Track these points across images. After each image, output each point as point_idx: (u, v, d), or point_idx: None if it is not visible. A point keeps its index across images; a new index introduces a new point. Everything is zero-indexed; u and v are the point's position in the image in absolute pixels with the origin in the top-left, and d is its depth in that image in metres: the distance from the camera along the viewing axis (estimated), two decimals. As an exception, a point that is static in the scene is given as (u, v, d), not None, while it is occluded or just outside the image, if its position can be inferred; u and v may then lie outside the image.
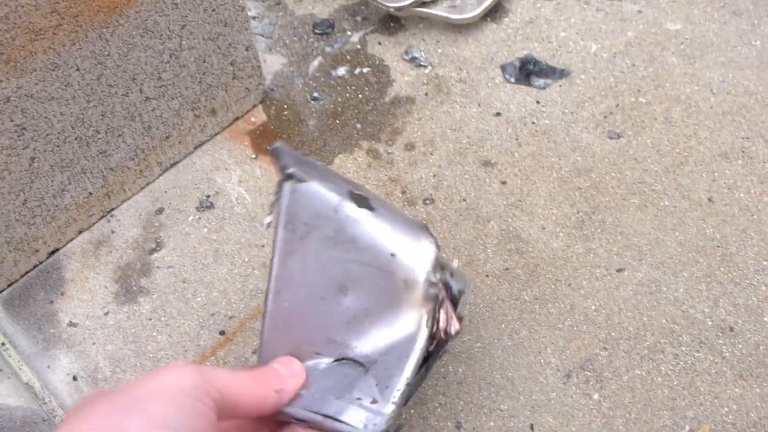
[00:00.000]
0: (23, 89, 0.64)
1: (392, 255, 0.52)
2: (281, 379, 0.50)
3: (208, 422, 0.42)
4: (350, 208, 0.53)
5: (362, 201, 0.53)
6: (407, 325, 0.53)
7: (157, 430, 0.39)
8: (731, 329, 0.66)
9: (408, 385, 0.52)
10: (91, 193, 0.76)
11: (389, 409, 0.51)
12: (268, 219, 0.54)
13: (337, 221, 0.52)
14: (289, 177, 0.52)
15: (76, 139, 0.71)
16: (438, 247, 0.54)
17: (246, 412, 0.47)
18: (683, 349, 0.65)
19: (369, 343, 0.53)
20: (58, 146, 0.70)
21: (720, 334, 0.66)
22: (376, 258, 0.52)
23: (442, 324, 0.54)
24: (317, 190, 0.52)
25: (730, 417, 0.61)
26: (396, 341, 0.53)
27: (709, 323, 0.66)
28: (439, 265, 0.54)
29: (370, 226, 0.53)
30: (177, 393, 0.41)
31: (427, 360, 0.54)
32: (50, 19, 0.63)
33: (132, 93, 0.73)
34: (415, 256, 0.53)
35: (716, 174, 0.76)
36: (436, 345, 0.54)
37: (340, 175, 0.57)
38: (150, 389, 0.41)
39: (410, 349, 0.53)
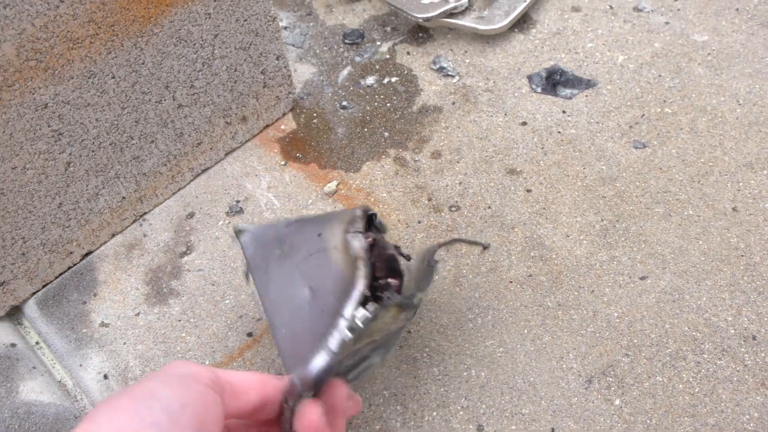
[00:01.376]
0: (60, 96, 0.66)
1: (318, 234, 0.59)
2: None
3: (214, 404, 0.45)
4: (281, 226, 0.62)
5: (293, 221, 0.62)
6: (353, 277, 0.56)
7: (164, 414, 0.41)
8: (754, 338, 0.66)
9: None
10: (124, 198, 0.78)
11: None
12: (249, 288, 0.62)
13: (278, 241, 0.61)
14: (238, 232, 0.64)
15: (110, 144, 0.73)
16: (364, 211, 0.59)
17: (248, 398, 0.49)
18: (705, 356, 0.65)
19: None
20: (93, 151, 0.72)
21: (742, 343, 0.66)
22: (312, 245, 0.59)
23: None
24: (258, 229, 0.63)
25: (752, 425, 0.61)
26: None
27: (732, 332, 0.67)
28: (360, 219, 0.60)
29: (299, 227, 0.61)
30: (183, 377, 0.45)
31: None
32: (87, 28, 0.65)
33: (165, 100, 0.75)
34: (336, 223, 0.59)
35: (741, 184, 0.76)
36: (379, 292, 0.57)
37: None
38: (159, 377, 0.45)
39: (352, 289, 0.55)
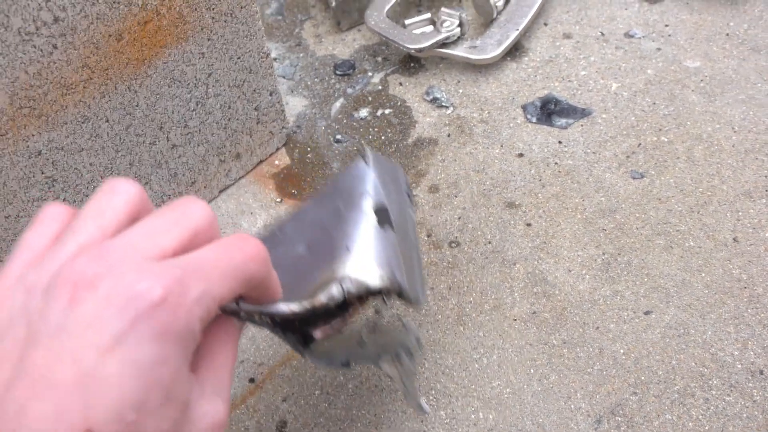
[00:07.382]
0: (54, 142, 0.65)
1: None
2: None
3: None
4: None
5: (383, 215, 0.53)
6: None
7: None
8: (761, 372, 0.66)
9: None
10: (118, 240, 0.76)
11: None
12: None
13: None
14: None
15: (104, 188, 0.72)
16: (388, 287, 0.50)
17: None
18: (713, 392, 0.65)
19: None
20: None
21: (750, 378, 0.66)
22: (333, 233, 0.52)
23: None
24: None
25: (763, 462, 0.61)
26: None
27: (739, 366, 0.66)
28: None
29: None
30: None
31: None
32: (81, 73, 0.64)
33: (159, 141, 0.74)
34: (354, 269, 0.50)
35: (740, 213, 0.76)
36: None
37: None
38: None
39: None
